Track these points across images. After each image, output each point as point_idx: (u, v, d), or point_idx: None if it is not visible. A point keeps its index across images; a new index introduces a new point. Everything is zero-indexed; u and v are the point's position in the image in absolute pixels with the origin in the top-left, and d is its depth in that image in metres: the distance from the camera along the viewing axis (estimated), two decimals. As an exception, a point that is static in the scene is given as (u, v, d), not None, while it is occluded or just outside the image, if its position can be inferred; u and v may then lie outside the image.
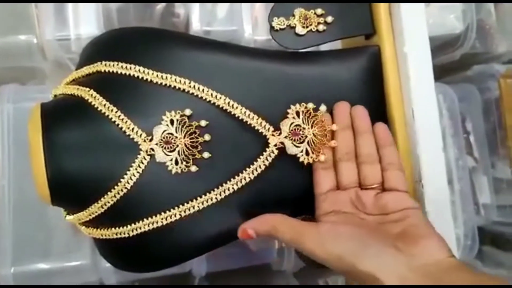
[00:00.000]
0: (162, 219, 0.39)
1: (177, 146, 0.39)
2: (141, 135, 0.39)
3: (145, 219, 0.39)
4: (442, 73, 0.72)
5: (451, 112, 0.62)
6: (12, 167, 0.52)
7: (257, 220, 0.39)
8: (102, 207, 0.39)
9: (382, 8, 0.44)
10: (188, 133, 0.39)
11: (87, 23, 0.52)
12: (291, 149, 0.41)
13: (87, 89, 0.40)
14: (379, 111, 0.43)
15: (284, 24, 0.43)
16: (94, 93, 0.40)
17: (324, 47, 0.47)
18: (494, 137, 0.67)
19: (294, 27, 0.43)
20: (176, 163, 0.39)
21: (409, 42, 0.42)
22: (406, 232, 0.36)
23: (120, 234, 0.40)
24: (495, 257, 0.69)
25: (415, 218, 0.37)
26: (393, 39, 0.44)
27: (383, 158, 0.40)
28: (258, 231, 0.39)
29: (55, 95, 0.43)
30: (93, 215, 0.40)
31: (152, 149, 0.39)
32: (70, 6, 0.53)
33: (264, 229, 0.38)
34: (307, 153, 0.41)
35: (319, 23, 0.43)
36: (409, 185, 0.42)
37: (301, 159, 0.41)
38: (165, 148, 0.39)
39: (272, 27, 0.43)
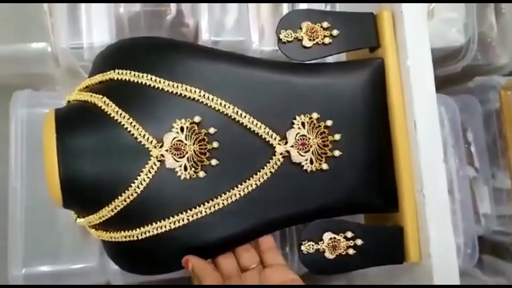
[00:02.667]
0: (170, 223, 0.40)
1: (187, 152, 0.40)
2: (152, 141, 0.40)
3: (153, 223, 0.40)
4: (443, 84, 0.73)
5: (453, 123, 0.63)
6: (25, 170, 0.53)
7: (200, 263, 0.42)
8: (113, 211, 0.40)
9: (386, 21, 0.45)
10: (197, 140, 0.41)
11: (99, 32, 0.54)
12: (297, 158, 0.42)
13: (100, 96, 0.41)
14: (382, 123, 0.44)
15: (291, 36, 0.45)
16: (107, 100, 0.41)
17: (329, 59, 0.48)
18: (495, 148, 0.68)
19: (301, 40, 0.45)
20: (185, 169, 0.40)
21: (412, 55, 0.43)
22: None
23: (129, 237, 0.41)
24: (494, 266, 0.69)
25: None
26: (396, 52, 0.45)
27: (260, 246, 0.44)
28: (194, 269, 0.41)
29: (69, 101, 0.44)
30: (104, 219, 0.41)
31: (162, 155, 0.40)
32: (83, 15, 0.54)
33: (199, 272, 0.41)
34: (311, 162, 0.42)
35: (325, 36, 0.45)
36: (410, 195, 0.43)
37: (305, 167, 0.42)
38: (175, 154, 0.40)
39: (279, 39, 0.45)
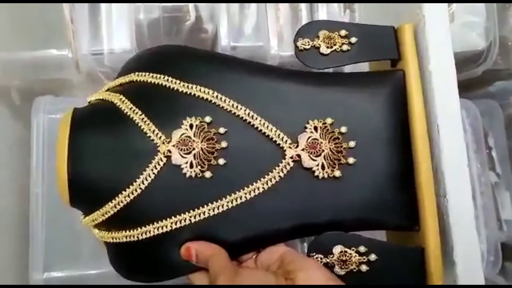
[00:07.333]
0: (171, 223, 0.39)
1: (194, 149, 0.40)
2: (160, 137, 0.40)
3: (155, 223, 0.39)
4: (464, 88, 0.72)
5: (474, 128, 0.62)
6: (46, 175, 0.54)
7: (203, 244, 0.39)
8: (116, 207, 0.40)
9: (407, 34, 0.44)
10: (206, 138, 0.40)
11: (120, 38, 0.55)
12: (308, 162, 0.41)
13: (118, 94, 0.42)
14: (402, 134, 0.43)
15: (308, 44, 0.44)
16: (124, 98, 0.42)
17: (349, 68, 0.48)
18: (517, 153, 0.67)
19: (318, 47, 0.45)
20: (191, 166, 0.40)
21: (434, 59, 0.43)
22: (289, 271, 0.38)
23: (130, 237, 0.40)
24: (518, 274, 0.68)
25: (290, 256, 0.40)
26: (418, 62, 0.44)
27: None
28: (199, 255, 0.39)
29: (90, 102, 0.45)
30: (107, 215, 0.40)
31: (169, 151, 0.39)
32: (104, 21, 0.55)
33: (205, 254, 0.39)
34: (322, 167, 0.41)
35: (343, 43, 0.45)
36: (432, 211, 0.41)
37: (316, 173, 0.41)
38: (181, 150, 0.40)
39: (297, 47, 0.44)
